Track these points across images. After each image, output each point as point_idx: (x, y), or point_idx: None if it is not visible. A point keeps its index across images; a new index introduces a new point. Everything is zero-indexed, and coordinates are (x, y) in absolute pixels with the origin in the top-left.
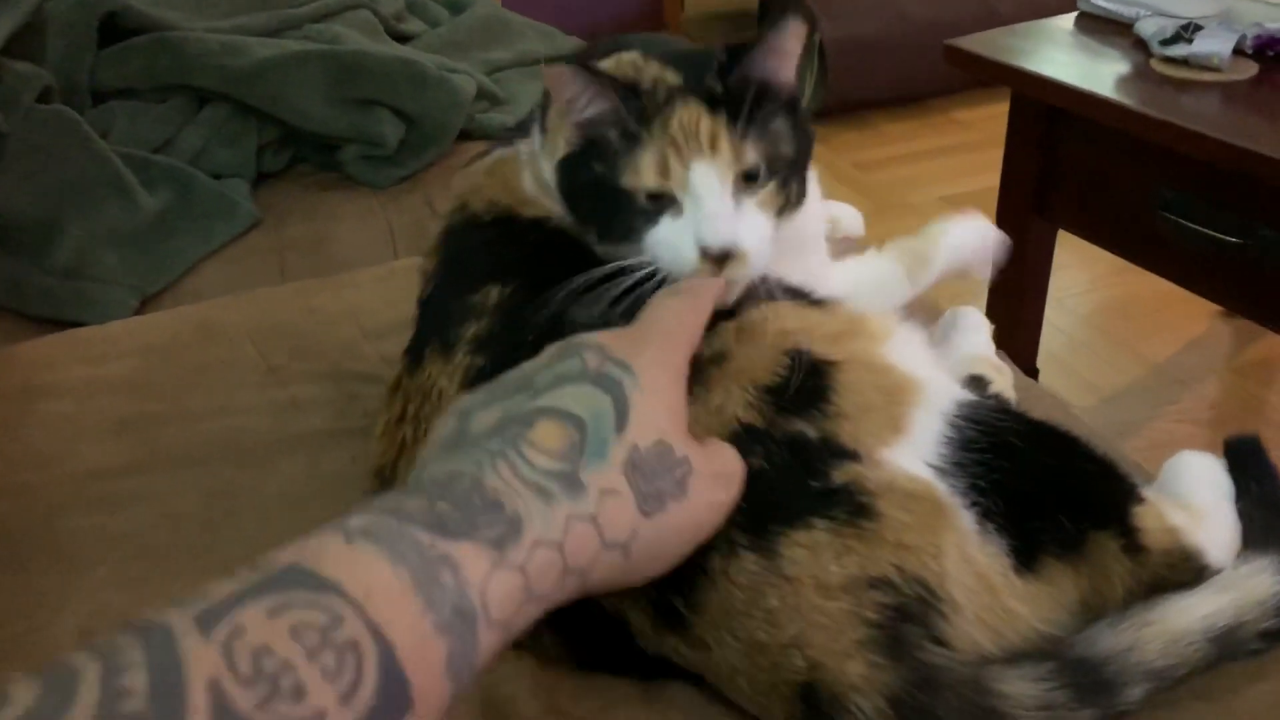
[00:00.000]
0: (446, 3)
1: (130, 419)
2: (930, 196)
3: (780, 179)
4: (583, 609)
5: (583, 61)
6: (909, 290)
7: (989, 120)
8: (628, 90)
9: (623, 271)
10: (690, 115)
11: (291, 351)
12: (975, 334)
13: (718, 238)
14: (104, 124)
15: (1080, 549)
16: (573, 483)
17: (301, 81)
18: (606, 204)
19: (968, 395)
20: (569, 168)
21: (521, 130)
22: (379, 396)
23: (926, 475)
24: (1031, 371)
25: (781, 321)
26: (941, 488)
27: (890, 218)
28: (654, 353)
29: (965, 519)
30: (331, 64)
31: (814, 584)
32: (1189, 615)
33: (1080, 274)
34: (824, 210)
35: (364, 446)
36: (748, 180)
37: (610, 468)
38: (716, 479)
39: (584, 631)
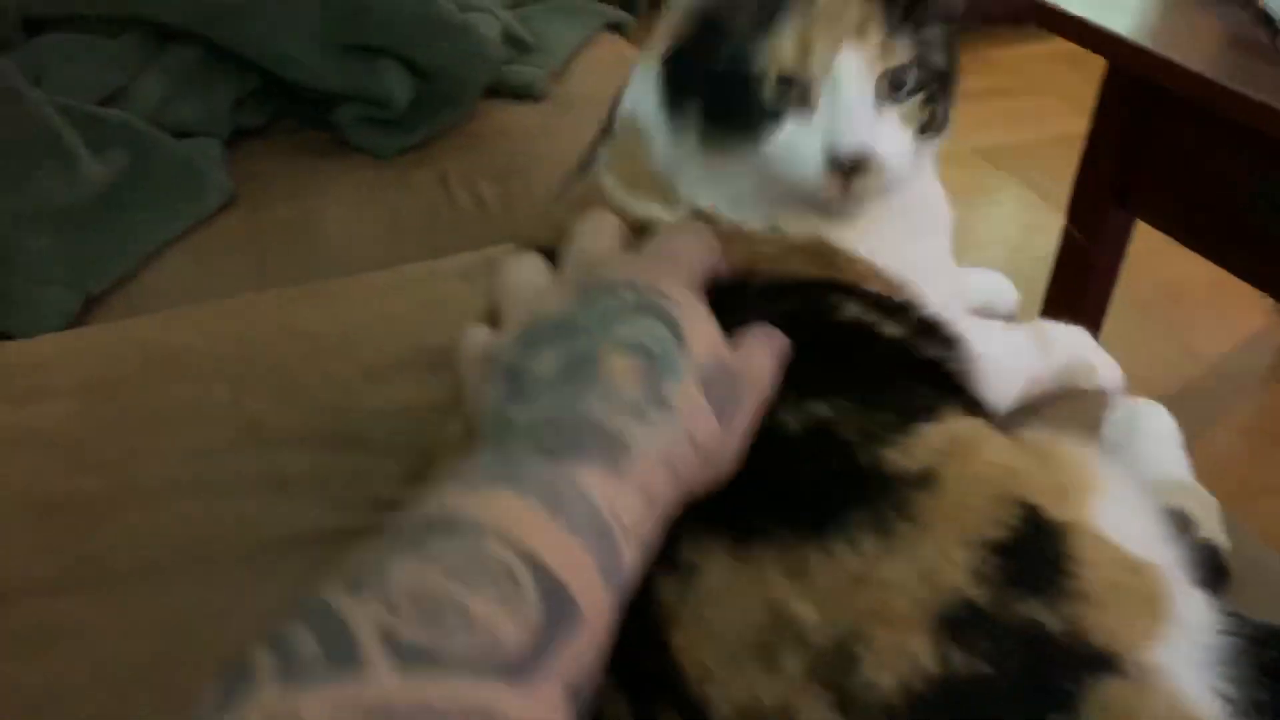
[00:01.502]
0: None
1: (60, 500)
2: (962, 146)
3: (927, 93)
4: None
5: None
6: (1040, 368)
7: (1024, 62)
8: None
9: None
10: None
11: (274, 395)
12: (1165, 446)
13: (855, 138)
14: (36, 66)
15: None
16: (662, 403)
17: (291, 21)
18: (722, 99)
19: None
20: (675, 65)
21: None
22: (390, 477)
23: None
24: None
25: (994, 450)
26: None
27: None
28: (675, 278)
29: None
30: (330, 1)
31: None
32: None
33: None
34: (948, 216)
35: None
36: (893, 86)
37: (688, 385)
38: (754, 385)
39: None
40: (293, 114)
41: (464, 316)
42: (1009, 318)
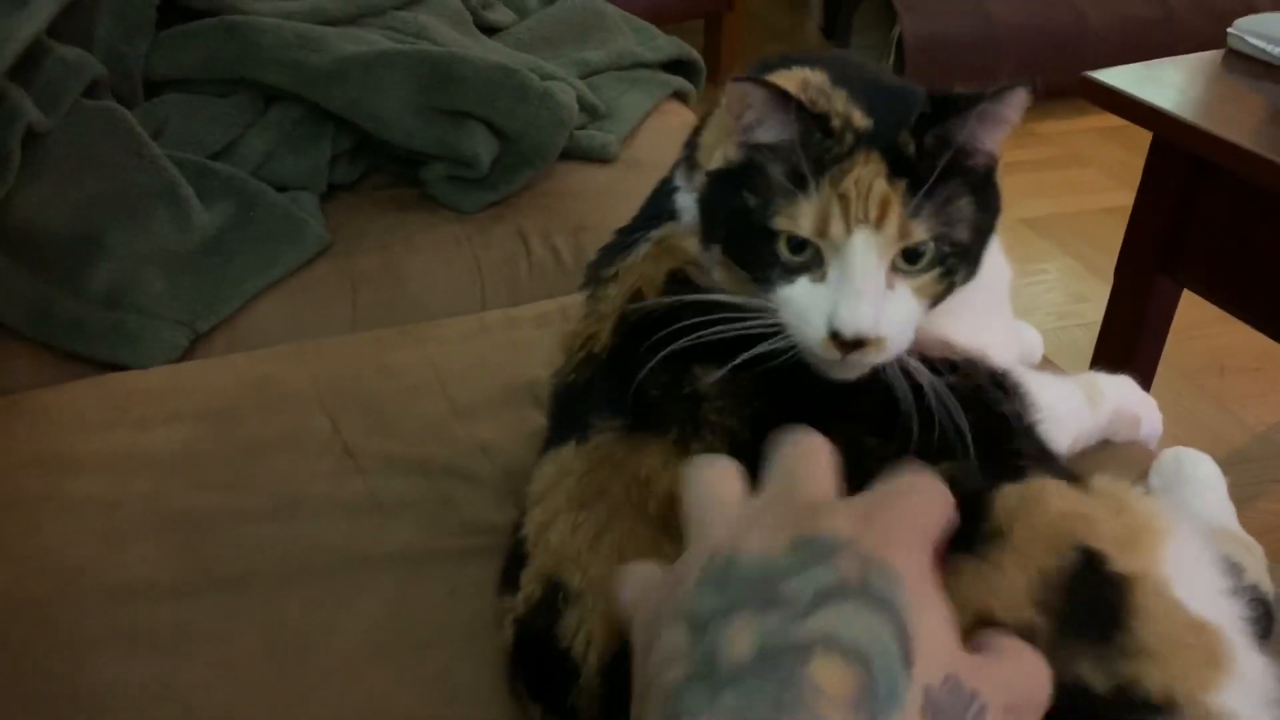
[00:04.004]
0: None
1: (177, 515)
2: (1009, 216)
3: (946, 267)
4: None
5: (775, 84)
6: (1090, 421)
7: (1069, 135)
8: (813, 123)
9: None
10: (868, 174)
11: (369, 427)
12: (1212, 492)
13: (855, 324)
14: (156, 121)
15: None
16: None
17: (387, 86)
18: (747, 238)
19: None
20: (718, 183)
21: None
22: (477, 502)
23: None
24: None
25: (1063, 501)
26: None
27: None
28: (909, 549)
29: None
30: (422, 68)
31: None
32: None
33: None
34: (1006, 273)
35: (461, 572)
36: (909, 259)
37: (907, 717)
38: (1010, 712)
39: None
40: (383, 170)
41: (540, 359)
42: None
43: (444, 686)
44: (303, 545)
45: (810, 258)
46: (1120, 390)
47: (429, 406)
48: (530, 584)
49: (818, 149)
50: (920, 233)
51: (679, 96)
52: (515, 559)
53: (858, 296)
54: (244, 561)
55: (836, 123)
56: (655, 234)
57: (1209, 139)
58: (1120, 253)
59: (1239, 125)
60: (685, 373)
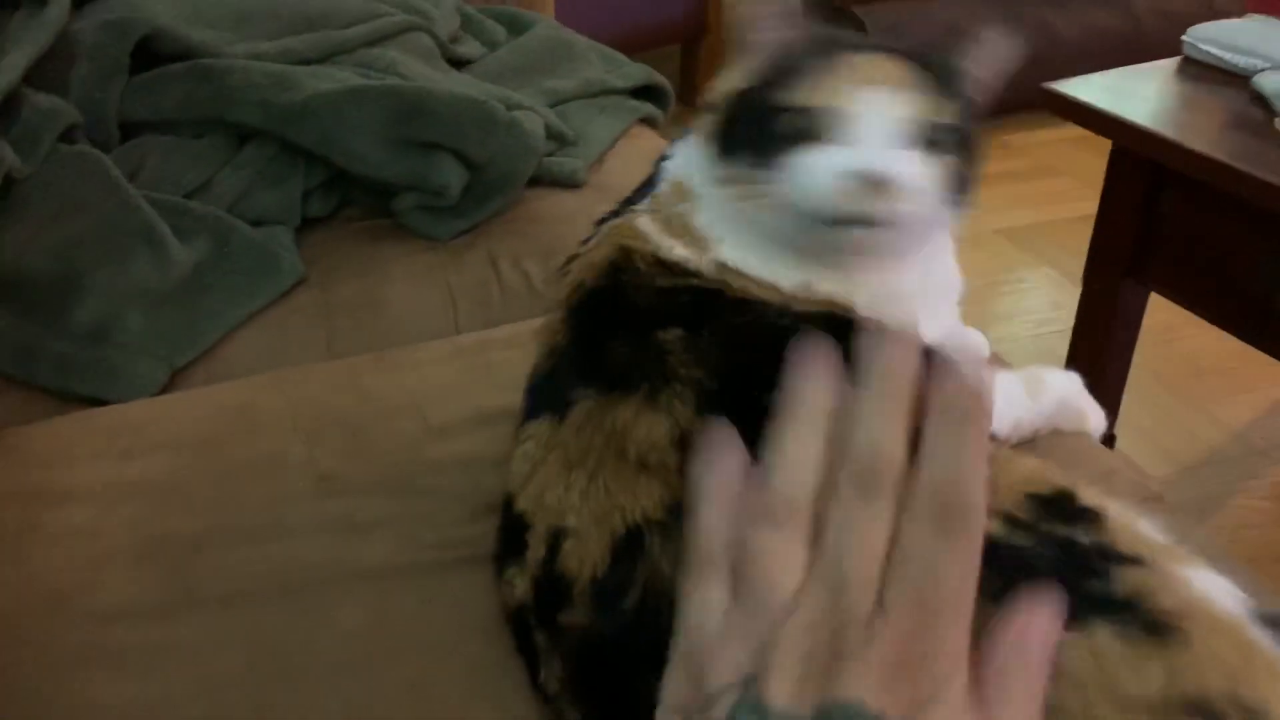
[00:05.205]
0: (504, 19)
1: (159, 539)
2: (984, 228)
3: (952, 159)
4: None
5: None
6: (1029, 411)
7: (1041, 146)
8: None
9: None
10: (882, 62)
11: (345, 452)
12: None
13: (872, 159)
14: (133, 162)
15: None
16: None
17: (357, 121)
18: (760, 129)
19: None
20: (732, 102)
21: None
22: (452, 518)
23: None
24: (1109, 439)
25: (1023, 461)
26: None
27: None
28: (954, 710)
29: None
30: (391, 102)
31: (1102, 692)
32: None
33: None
34: (959, 287)
35: (438, 585)
36: (919, 141)
37: None
38: None
39: None
40: (356, 203)
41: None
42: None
43: (421, 693)
44: (282, 564)
45: (827, 126)
46: (1065, 384)
47: (404, 428)
48: (536, 543)
49: (829, 37)
50: (927, 109)
51: (648, 122)
52: (514, 534)
53: (874, 141)
54: (225, 581)
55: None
56: (610, 223)
57: (1167, 145)
58: (1087, 259)
59: (1196, 131)
60: (646, 336)
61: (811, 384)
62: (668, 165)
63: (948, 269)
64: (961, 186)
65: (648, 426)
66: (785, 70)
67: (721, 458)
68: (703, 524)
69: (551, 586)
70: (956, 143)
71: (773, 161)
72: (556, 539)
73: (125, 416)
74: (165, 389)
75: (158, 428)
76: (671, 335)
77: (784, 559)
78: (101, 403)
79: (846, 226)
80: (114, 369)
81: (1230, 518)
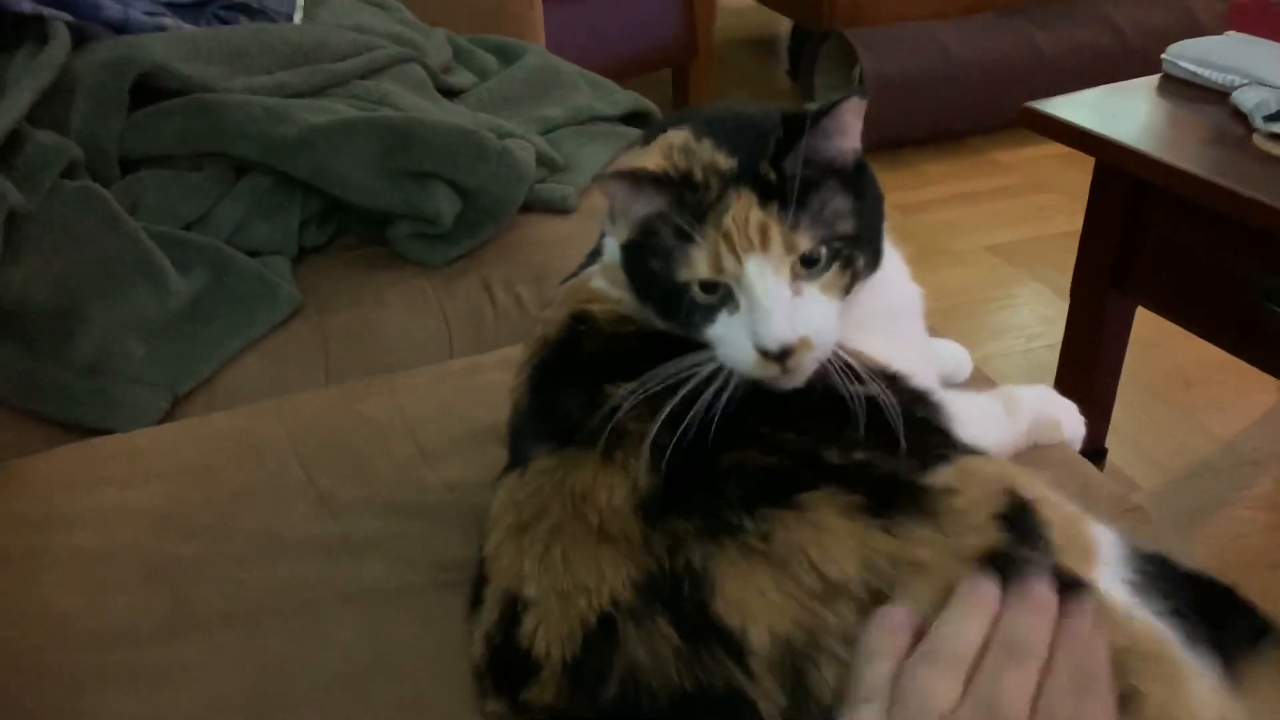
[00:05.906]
0: (495, 49)
1: (162, 563)
2: (975, 244)
3: (843, 259)
4: None
5: (627, 170)
6: (1010, 433)
7: (1029, 163)
8: (678, 186)
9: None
10: (742, 208)
11: (342, 475)
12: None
13: (774, 338)
14: (132, 196)
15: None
16: None
17: (352, 152)
18: (666, 294)
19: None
20: (629, 255)
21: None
22: (445, 540)
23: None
24: (1100, 452)
25: (995, 465)
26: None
27: (939, 265)
28: None
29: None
30: (384, 133)
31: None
32: None
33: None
34: (916, 293)
35: (432, 605)
36: (807, 265)
37: None
38: None
39: None
40: (352, 232)
41: (504, 402)
42: (965, 385)
43: (416, 711)
44: (280, 585)
45: (722, 296)
46: (1037, 398)
47: (399, 451)
48: (491, 602)
49: (692, 203)
50: (805, 242)
51: None
52: (479, 579)
53: (768, 313)
54: (225, 602)
55: (700, 175)
56: (570, 282)
57: (1149, 162)
58: (1074, 273)
59: (1177, 147)
60: (598, 391)
61: (984, 589)
62: (607, 241)
63: (900, 290)
64: (860, 271)
65: (608, 491)
66: (667, 239)
67: (891, 616)
68: (872, 667)
69: (513, 661)
70: (842, 236)
71: (688, 327)
72: (513, 608)
73: (127, 445)
74: (166, 417)
75: (159, 455)
76: (621, 389)
77: (942, 689)
78: (104, 432)
79: (775, 377)
80: (116, 398)
81: (1222, 528)
